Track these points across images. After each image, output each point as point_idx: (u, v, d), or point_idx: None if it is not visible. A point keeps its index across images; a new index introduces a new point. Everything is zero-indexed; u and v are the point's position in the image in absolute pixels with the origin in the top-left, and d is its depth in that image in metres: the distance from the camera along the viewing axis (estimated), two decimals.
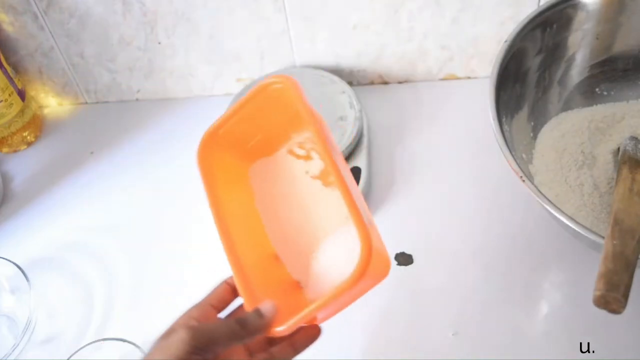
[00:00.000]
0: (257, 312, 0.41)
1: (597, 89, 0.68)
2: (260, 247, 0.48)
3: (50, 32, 0.79)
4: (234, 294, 0.46)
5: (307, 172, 0.49)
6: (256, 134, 0.49)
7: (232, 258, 0.44)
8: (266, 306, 0.42)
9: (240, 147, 0.49)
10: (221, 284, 0.46)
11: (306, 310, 0.40)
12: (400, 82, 0.82)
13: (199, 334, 0.39)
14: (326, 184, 0.48)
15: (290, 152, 0.49)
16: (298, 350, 0.44)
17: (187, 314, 0.43)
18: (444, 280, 0.62)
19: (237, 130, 0.48)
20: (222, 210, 0.46)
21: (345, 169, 0.43)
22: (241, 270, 0.44)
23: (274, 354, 0.44)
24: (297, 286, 0.47)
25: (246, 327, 0.40)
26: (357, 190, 0.43)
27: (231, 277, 0.46)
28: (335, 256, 0.46)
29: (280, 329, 0.41)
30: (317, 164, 0.48)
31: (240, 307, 0.46)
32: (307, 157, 0.49)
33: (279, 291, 0.45)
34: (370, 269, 0.38)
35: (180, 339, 0.38)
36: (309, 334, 0.44)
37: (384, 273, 0.43)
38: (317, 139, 0.42)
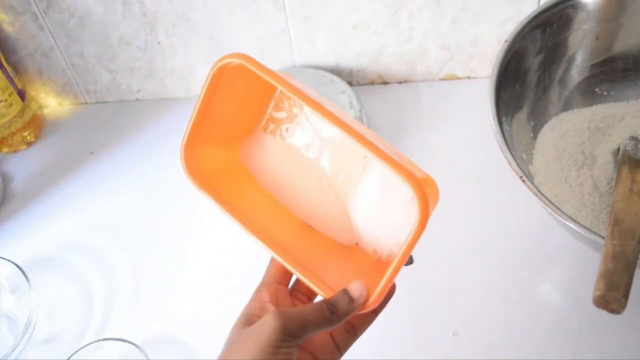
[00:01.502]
0: (348, 296, 0.39)
1: (597, 89, 0.68)
2: (293, 224, 0.46)
3: (50, 32, 0.79)
4: None
5: (300, 134, 0.46)
6: (231, 117, 0.46)
7: (282, 255, 0.42)
8: (356, 288, 0.39)
9: (222, 136, 0.46)
10: (274, 259, 0.44)
11: (388, 273, 0.39)
12: (400, 82, 0.82)
13: (290, 321, 0.37)
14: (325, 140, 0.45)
15: (271, 119, 0.47)
16: (378, 311, 0.43)
17: (260, 298, 0.42)
18: (444, 280, 0.62)
19: (211, 123, 0.45)
20: (240, 213, 0.44)
21: (347, 117, 0.41)
22: (295, 262, 0.42)
23: (354, 323, 0.42)
24: (351, 247, 0.45)
25: (338, 312, 0.39)
26: (362, 127, 0.41)
27: None
28: (374, 198, 0.44)
29: (371, 301, 0.39)
30: (305, 124, 0.46)
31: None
32: (290, 117, 0.46)
33: (337, 259, 0.44)
34: (429, 200, 0.38)
35: (271, 328, 0.37)
36: (388, 294, 0.42)
37: (436, 194, 0.42)
38: (290, 93, 0.40)
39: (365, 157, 0.44)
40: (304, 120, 0.46)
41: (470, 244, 0.65)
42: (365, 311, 0.40)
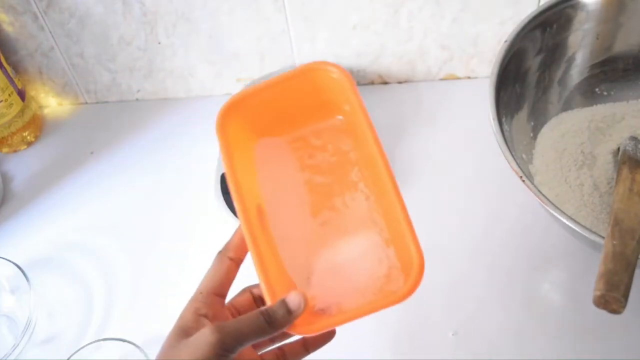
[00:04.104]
0: (286, 307, 0.39)
1: (597, 89, 0.68)
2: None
3: (50, 32, 0.79)
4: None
5: (318, 166, 0.46)
6: (275, 111, 0.46)
7: (253, 244, 0.41)
8: (294, 299, 0.39)
9: (257, 120, 0.46)
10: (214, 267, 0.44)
11: (341, 318, 0.39)
12: (400, 82, 0.82)
13: (227, 336, 0.37)
14: (348, 183, 0.45)
15: (302, 138, 0.47)
16: (309, 351, 0.43)
17: (194, 310, 0.41)
18: (444, 280, 0.62)
19: (260, 104, 0.45)
20: (239, 187, 0.43)
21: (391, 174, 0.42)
22: (262, 259, 0.41)
23: (285, 351, 0.43)
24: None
25: (274, 323, 0.38)
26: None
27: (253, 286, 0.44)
28: (351, 258, 0.44)
29: (306, 332, 0.39)
30: (332, 159, 0.46)
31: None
32: (323, 148, 0.46)
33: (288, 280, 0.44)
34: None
35: (208, 343, 0.37)
36: (324, 335, 0.42)
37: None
38: (364, 123, 0.42)
39: (373, 222, 0.44)
40: (330, 157, 0.47)
41: (470, 244, 0.65)
42: (297, 334, 0.39)
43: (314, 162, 0.47)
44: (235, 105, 0.45)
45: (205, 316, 0.41)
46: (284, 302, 0.39)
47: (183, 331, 0.40)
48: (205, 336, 0.37)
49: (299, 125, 0.47)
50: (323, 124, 0.47)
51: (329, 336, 0.43)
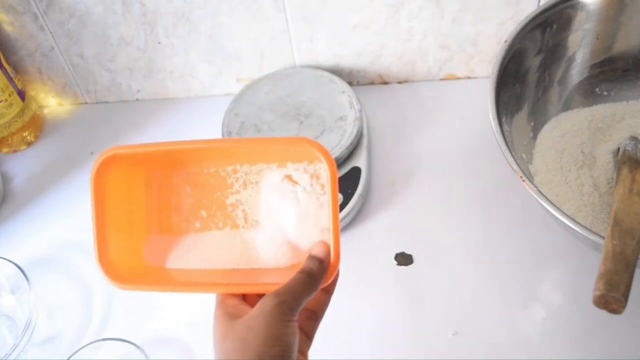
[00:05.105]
0: (315, 258, 0.41)
1: (597, 89, 0.68)
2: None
3: (50, 32, 0.79)
4: None
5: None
6: (127, 222, 0.47)
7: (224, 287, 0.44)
8: (318, 249, 0.41)
9: (128, 240, 0.47)
10: None
11: (333, 228, 0.40)
12: (400, 82, 0.82)
13: (287, 295, 0.39)
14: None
15: (159, 217, 0.48)
16: (331, 292, 0.44)
17: (228, 302, 0.43)
18: (444, 280, 0.62)
19: (115, 230, 0.46)
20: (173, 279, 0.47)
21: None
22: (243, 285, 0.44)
23: (312, 307, 0.44)
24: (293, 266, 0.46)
25: (313, 274, 0.40)
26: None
27: None
28: (290, 211, 0.45)
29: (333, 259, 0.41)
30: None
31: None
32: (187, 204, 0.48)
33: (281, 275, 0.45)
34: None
35: (273, 305, 0.38)
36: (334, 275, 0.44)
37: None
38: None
39: (257, 183, 0.46)
40: (192, 202, 0.48)
41: (470, 244, 0.65)
42: (333, 274, 0.41)
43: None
44: (104, 251, 0.45)
45: (241, 304, 0.42)
46: (311, 256, 0.41)
47: (231, 315, 0.41)
48: (267, 302, 0.39)
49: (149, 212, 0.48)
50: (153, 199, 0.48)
51: (337, 274, 0.43)
